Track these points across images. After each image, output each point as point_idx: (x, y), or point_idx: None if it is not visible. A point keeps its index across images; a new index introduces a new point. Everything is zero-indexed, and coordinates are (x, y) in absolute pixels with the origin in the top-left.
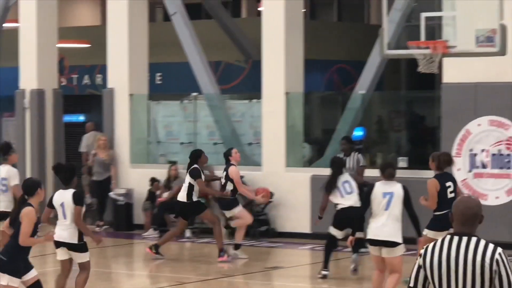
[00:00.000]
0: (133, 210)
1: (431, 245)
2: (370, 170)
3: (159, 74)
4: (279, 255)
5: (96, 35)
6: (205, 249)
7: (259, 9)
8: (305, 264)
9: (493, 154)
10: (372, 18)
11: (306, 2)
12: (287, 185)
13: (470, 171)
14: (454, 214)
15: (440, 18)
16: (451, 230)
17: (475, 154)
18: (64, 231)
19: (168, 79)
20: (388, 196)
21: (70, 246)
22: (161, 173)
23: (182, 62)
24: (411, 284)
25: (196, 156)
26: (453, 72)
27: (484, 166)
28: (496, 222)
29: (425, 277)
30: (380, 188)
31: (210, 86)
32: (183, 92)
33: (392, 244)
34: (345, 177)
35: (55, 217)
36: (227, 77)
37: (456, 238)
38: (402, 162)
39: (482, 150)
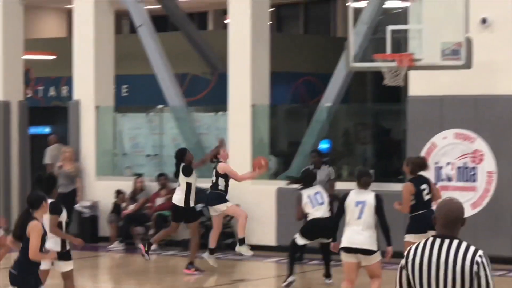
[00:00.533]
0: (98, 222)
1: (414, 246)
2: (336, 182)
3: (125, 86)
4: (245, 268)
5: (62, 47)
6: (171, 261)
7: (225, 21)
8: (271, 277)
9: (459, 167)
10: (338, 30)
11: (272, 15)
12: (253, 197)
13: (435, 184)
14: (437, 217)
15: (406, 31)
16: (431, 232)
17: (441, 167)
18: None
19: (134, 91)
20: (360, 205)
21: None
22: (127, 185)
23: (148, 74)
24: (397, 286)
25: (181, 154)
26: (419, 85)
27: (449, 179)
28: (462, 235)
29: (408, 278)
30: (353, 196)
31: (176, 99)
32: (149, 104)
33: (368, 252)
34: (317, 188)
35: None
36: (193, 90)
37: (438, 240)
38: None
39: (448, 163)
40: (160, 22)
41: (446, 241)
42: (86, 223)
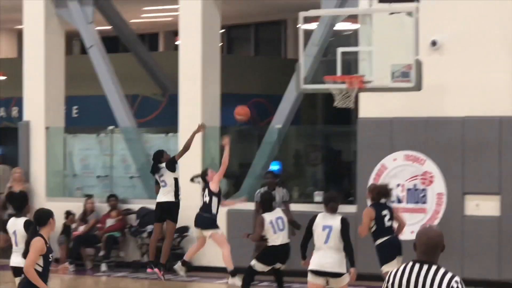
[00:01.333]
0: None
1: (394, 270)
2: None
3: (75, 107)
4: None
5: (13, 67)
6: (121, 283)
7: (176, 43)
8: None
9: (409, 189)
10: (289, 52)
11: (223, 37)
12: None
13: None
14: (417, 243)
15: (356, 53)
16: (399, 258)
17: (391, 189)
18: (18, 257)
19: (84, 112)
20: (327, 230)
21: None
22: (77, 206)
23: (99, 95)
24: None
25: (159, 156)
26: (369, 107)
27: (399, 200)
28: (412, 256)
29: None
30: (320, 220)
31: (126, 120)
32: (100, 125)
33: (337, 275)
34: (278, 212)
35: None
36: (144, 111)
37: (417, 265)
38: (318, 196)
39: (398, 185)
40: (111, 43)
41: (425, 266)
42: None
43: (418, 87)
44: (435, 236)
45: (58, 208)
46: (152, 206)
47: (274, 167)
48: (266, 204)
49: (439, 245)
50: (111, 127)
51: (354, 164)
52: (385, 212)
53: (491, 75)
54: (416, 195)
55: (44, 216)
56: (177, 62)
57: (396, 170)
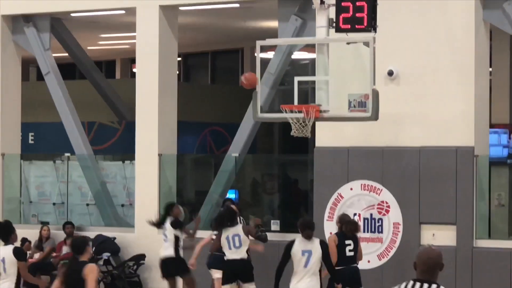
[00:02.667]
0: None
1: (397, 287)
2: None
3: (31, 133)
4: None
5: None
6: None
7: (133, 70)
8: None
9: (365, 218)
10: None
11: (179, 64)
12: (160, 246)
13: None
14: (418, 263)
15: (313, 82)
16: None
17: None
18: (5, 284)
19: (40, 139)
20: (306, 254)
21: None
22: (33, 233)
23: (55, 122)
24: None
25: (169, 208)
26: (326, 136)
27: None
28: (368, 287)
29: None
30: (299, 245)
31: (83, 147)
32: (56, 152)
33: None
34: (237, 230)
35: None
36: (100, 138)
37: (418, 284)
38: (275, 225)
39: (354, 214)
40: (68, 70)
41: (425, 285)
42: None
43: (375, 116)
44: (435, 255)
45: None
46: (107, 233)
47: (231, 195)
48: (220, 220)
49: (438, 264)
50: (67, 154)
51: (310, 193)
52: (348, 241)
53: (447, 105)
54: (373, 225)
55: (82, 244)
56: (134, 90)
57: (353, 199)
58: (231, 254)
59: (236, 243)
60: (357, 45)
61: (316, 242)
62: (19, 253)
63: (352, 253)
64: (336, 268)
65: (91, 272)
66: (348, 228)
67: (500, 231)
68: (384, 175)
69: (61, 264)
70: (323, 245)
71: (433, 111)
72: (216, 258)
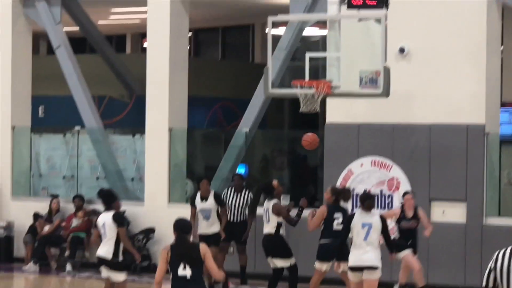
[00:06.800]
0: (13, 243)
1: (502, 251)
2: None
3: (42, 107)
4: None
5: None
6: (86, 283)
7: (143, 45)
8: None
9: (375, 195)
10: (256, 56)
11: (190, 40)
12: (169, 220)
13: (352, 211)
14: None
15: (324, 58)
16: (334, 261)
17: (357, 194)
18: (104, 248)
19: (51, 113)
20: (367, 227)
21: None
22: (43, 206)
23: (66, 95)
24: (483, 284)
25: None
26: (337, 112)
27: None
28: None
29: (495, 279)
30: (359, 218)
31: (93, 121)
32: (66, 126)
33: (372, 268)
34: (268, 205)
35: None
36: (111, 112)
37: None
38: (284, 200)
39: (364, 190)
40: (78, 44)
41: None
42: (1, 243)
43: (386, 93)
44: None
45: (24, 207)
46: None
47: (241, 170)
48: (265, 193)
49: None
50: (77, 128)
51: (320, 169)
52: (337, 215)
53: (458, 83)
54: (383, 201)
55: (189, 224)
56: (144, 64)
57: (363, 175)
58: (264, 228)
59: (267, 218)
60: (369, 22)
61: (376, 215)
62: (118, 219)
63: (340, 227)
64: (322, 242)
65: (208, 252)
66: (346, 196)
67: (510, 209)
68: (394, 152)
69: (70, 237)
70: (383, 219)
71: (444, 89)
72: None
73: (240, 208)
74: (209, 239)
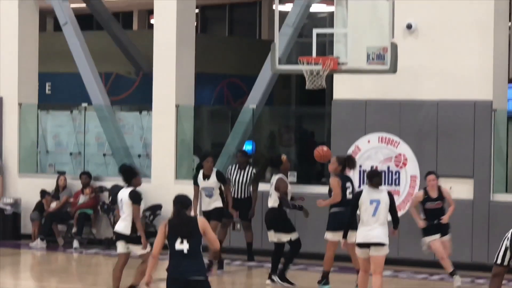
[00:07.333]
0: (20, 219)
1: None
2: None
3: (48, 83)
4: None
5: None
6: (93, 260)
7: (150, 21)
8: None
9: (383, 171)
10: (263, 33)
11: (197, 16)
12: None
13: (359, 187)
14: None
15: (331, 35)
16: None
17: (365, 171)
18: (121, 224)
19: (58, 89)
20: (375, 203)
21: None
22: (50, 183)
23: (73, 72)
24: (498, 262)
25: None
26: (344, 88)
27: None
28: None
29: (511, 257)
30: (367, 194)
31: (100, 97)
32: (73, 103)
33: (379, 244)
34: (273, 180)
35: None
36: (118, 89)
37: None
38: (291, 176)
39: (372, 167)
40: (85, 21)
41: None
42: (8, 220)
43: (393, 69)
44: None
45: (31, 184)
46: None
47: (248, 146)
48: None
49: None
50: (84, 105)
51: (327, 145)
52: (348, 184)
53: (466, 59)
54: (390, 177)
55: (188, 200)
56: (151, 41)
57: (370, 152)
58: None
59: (271, 192)
60: None
61: (384, 192)
62: (134, 196)
63: (351, 196)
64: (333, 209)
65: (207, 225)
66: (352, 163)
67: None
68: (401, 128)
69: (77, 214)
70: (391, 195)
71: (452, 65)
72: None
73: (244, 185)
74: (210, 214)
